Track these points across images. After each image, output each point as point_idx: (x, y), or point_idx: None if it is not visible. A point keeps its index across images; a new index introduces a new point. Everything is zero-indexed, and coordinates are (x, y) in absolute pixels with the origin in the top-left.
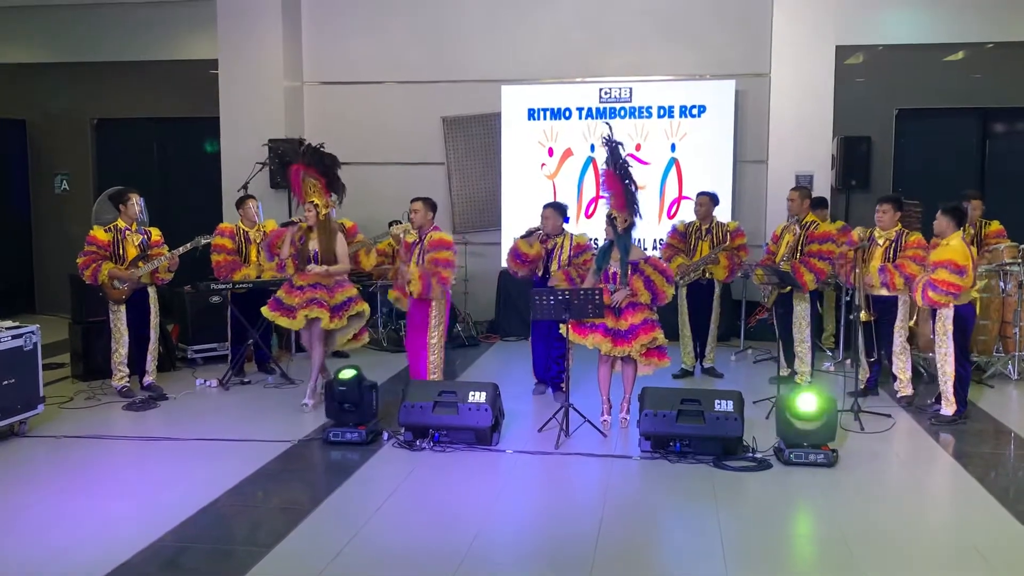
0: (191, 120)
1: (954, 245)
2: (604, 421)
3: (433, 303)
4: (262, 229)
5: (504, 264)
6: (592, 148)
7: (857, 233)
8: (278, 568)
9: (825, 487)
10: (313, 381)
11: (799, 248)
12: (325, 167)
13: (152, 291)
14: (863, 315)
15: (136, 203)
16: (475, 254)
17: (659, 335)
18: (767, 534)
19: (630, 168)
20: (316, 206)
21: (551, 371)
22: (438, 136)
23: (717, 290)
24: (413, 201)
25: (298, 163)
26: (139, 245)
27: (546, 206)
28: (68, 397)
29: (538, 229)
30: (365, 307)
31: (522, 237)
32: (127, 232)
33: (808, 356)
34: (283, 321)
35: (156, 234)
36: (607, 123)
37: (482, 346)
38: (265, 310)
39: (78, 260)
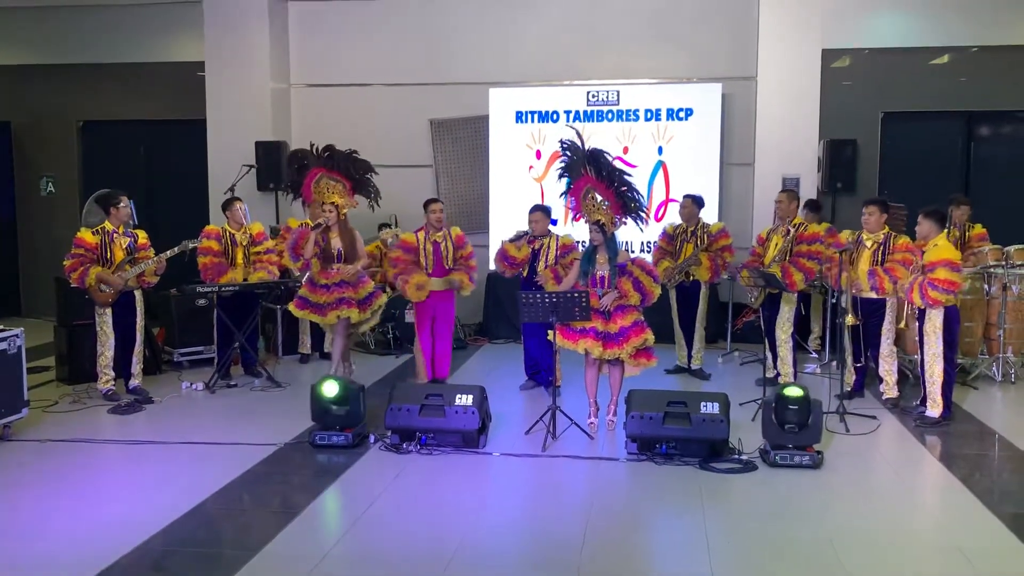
0: (177, 123)
1: (944, 244)
2: (591, 423)
3: (454, 294)
4: (248, 231)
5: (492, 266)
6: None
7: (845, 236)
8: (265, 571)
9: (810, 489)
10: (334, 371)
11: (790, 250)
12: (349, 170)
13: (138, 294)
14: (849, 319)
15: (127, 205)
16: None
17: (649, 336)
18: (753, 536)
19: (620, 172)
20: (336, 206)
21: (542, 372)
22: (426, 139)
23: (703, 291)
24: (434, 202)
25: (317, 167)
26: (126, 248)
27: (534, 209)
28: (53, 401)
29: (526, 233)
30: (384, 299)
31: (510, 240)
32: (115, 235)
33: (790, 356)
34: (314, 318)
35: (143, 237)
36: (572, 127)
37: (470, 348)
38: (292, 308)
39: (65, 263)
